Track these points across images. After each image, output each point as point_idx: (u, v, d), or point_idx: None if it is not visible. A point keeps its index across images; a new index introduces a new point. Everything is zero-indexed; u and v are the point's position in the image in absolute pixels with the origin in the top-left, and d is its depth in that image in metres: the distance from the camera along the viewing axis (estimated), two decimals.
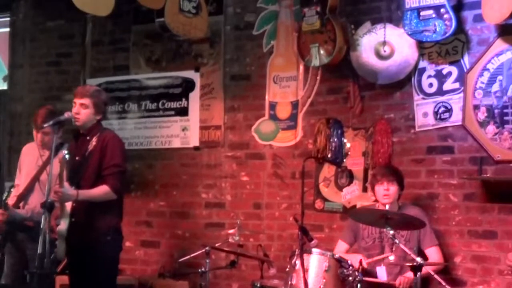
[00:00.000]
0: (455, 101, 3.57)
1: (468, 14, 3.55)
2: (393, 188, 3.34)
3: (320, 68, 3.90)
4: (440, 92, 3.62)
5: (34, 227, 3.49)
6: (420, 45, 3.62)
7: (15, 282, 3.72)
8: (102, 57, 4.72)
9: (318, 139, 3.85)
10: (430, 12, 3.43)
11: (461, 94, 3.54)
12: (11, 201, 3.77)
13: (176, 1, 3.76)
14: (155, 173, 4.46)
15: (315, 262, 3.07)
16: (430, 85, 3.66)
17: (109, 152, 3.14)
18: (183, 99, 4.40)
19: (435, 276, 2.98)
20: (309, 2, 3.73)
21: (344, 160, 3.84)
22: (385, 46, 3.63)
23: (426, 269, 2.99)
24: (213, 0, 4.29)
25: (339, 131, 3.83)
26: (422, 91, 3.69)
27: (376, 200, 3.48)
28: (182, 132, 4.39)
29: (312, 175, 3.91)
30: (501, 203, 3.42)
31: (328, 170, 3.92)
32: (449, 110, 3.60)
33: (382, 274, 3.28)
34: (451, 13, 3.40)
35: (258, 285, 3.24)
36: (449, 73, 3.61)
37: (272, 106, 4.13)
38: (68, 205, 3.16)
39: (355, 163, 3.83)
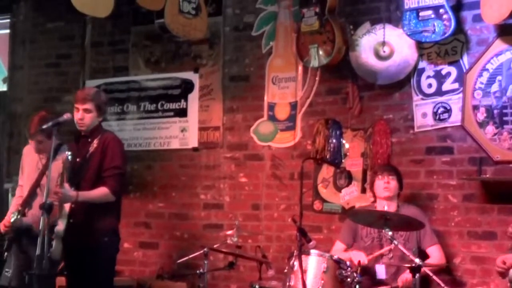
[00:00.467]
0: (454, 102, 3.56)
1: (467, 14, 3.54)
2: (393, 183, 3.36)
3: (319, 68, 3.89)
4: (439, 92, 3.61)
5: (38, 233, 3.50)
6: (419, 45, 3.61)
7: (21, 284, 3.73)
8: (101, 58, 4.72)
9: (317, 140, 3.84)
10: (429, 12, 3.43)
11: (460, 95, 3.53)
12: (15, 204, 3.79)
13: (176, 2, 3.77)
14: (154, 174, 4.45)
15: (314, 263, 3.05)
16: (429, 85, 3.65)
17: (109, 154, 3.16)
18: (182, 100, 4.40)
19: (434, 277, 2.96)
20: (308, 3, 3.73)
21: (343, 161, 3.83)
22: (385, 46, 3.62)
23: (424, 270, 2.97)
24: (212, 1, 4.29)
25: (338, 132, 3.82)
26: (421, 91, 3.68)
27: (375, 201, 3.47)
28: (181, 133, 4.38)
29: (310, 176, 3.90)
30: (501, 204, 3.41)
31: (326, 171, 3.91)
32: (448, 110, 3.58)
33: (381, 272, 3.27)
34: (450, 13, 3.39)
35: (257, 286, 3.23)
36: (448, 74, 3.60)
37: (271, 107, 4.12)
38: (67, 206, 3.17)
39: (354, 164, 3.82)
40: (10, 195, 4.63)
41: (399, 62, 3.64)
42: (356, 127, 3.82)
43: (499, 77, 3.43)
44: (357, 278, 3.03)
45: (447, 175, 3.56)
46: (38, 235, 3.14)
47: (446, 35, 3.41)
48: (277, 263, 3.68)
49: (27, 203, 3.72)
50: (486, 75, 3.46)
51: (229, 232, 3.51)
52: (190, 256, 3.58)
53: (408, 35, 3.51)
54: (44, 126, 3.29)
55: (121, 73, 4.65)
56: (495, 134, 3.41)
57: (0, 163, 5.03)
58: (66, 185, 3.05)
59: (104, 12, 3.64)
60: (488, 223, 3.44)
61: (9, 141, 5.04)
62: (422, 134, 3.64)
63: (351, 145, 3.82)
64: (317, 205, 3.92)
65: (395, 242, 2.99)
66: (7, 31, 5.12)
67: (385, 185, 3.35)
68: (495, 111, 3.42)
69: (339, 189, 3.86)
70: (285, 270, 3.11)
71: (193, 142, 4.34)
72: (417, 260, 2.88)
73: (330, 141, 3.80)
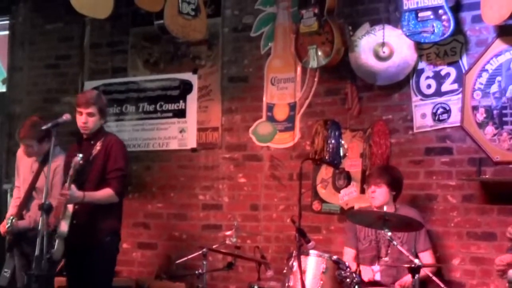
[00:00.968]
0: (454, 102, 3.55)
1: (466, 15, 3.54)
2: (380, 190, 3.32)
3: (318, 69, 3.89)
4: (438, 93, 3.61)
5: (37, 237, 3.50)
6: (419, 46, 3.61)
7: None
8: (100, 59, 4.73)
9: (316, 140, 3.83)
10: (428, 13, 3.42)
11: (460, 95, 3.52)
12: (13, 205, 3.78)
13: (175, 3, 3.77)
14: (153, 175, 4.45)
15: (313, 264, 3.04)
16: (429, 86, 3.65)
17: (113, 156, 3.22)
18: (181, 101, 4.39)
19: (434, 278, 2.95)
20: (307, 4, 3.73)
21: (341, 162, 3.82)
22: (384, 47, 3.62)
23: (424, 271, 2.96)
24: (211, 2, 4.30)
25: (336, 133, 3.81)
26: (420, 92, 3.67)
27: None
28: (179, 134, 4.38)
29: (309, 176, 3.90)
30: (500, 205, 3.39)
31: (325, 172, 3.90)
32: (447, 111, 3.58)
33: (377, 273, 3.26)
34: (449, 14, 3.39)
35: (255, 287, 3.23)
36: (448, 74, 3.60)
37: (270, 107, 4.12)
38: (70, 207, 3.18)
39: (353, 164, 3.81)
40: (9, 195, 4.62)
41: (398, 62, 3.64)
42: (355, 128, 3.82)
43: (498, 78, 3.43)
44: (356, 279, 3.03)
45: (446, 176, 3.55)
46: (36, 237, 3.15)
47: (445, 35, 3.41)
48: (276, 263, 3.67)
49: (24, 205, 3.73)
50: (485, 75, 3.46)
51: (228, 233, 3.50)
52: (189, 256, 3.57)
53: (407, 36, 3.51)
54: (44, 127, 3.30)
55: (119, 74, 4.65)
56: (494, 135, 3.40)
57: None
58: (73, 186, 3.09)
59: (104, 13, 3.65)
60: (488, 223, 3.43)
61: (8, 142, 5.03)
62: (421, 135, 3.64)
63: (350, 146, 3.82)
64: (316, 205, 3.91)
65: (394, 243, 2.98)
66: (6, 32, 5.12)
67: (371, 194, 3.34)
68: (495, 112, 3.41)
69: (338, 189, 3.85)
70: (284, 271, 3.10)
71: (191, 143, 4.34)
72: (417, 261, 2.87)
73: (329, 141, 3.80)
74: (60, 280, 3.64)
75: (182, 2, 3.80)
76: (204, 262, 3.41)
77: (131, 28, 4.61)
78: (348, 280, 3.01)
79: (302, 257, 2.99)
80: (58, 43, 4.88)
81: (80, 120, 3.26)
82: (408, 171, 3.59)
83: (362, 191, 3.72)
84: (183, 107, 4.38)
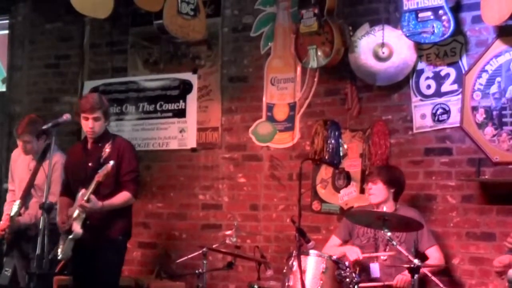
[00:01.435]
0: (453, 103, 3.56)
1: (466, 16, 3.54)
2: (375, 187, 3.34)
3: (318, 69, 3.89)
4: (438, 93, 3.61)
5: (37, 235, 3.50)
6: (418, 46, 3.61)
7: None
8: (100, 59, 4.73)
9: (316, 140, 3.84)
10: (428, 13, 3.42)
11: (459, 96, 3.52)
12: (8, 208, 3.78)
13: (174, 3, 3.76)
14: (153, 175, 4.45)
15: (313, 264, 3.05)
16: (428, 86, 3.65)
17: (126, 159, 3.27)
18: (181, 101, 4.39)
19: (433, 278, 2.96)
20: (306, 4, 3.73)
21: (341, 162, 3.82)
22: (384, 47, 3.62)
23: (423, 271, 2.96)
24: (211, 2, 4.30)
25: (336, 133, 3.82)
26: (420, 92, 3.68)
27: None
28: (179, 133, 4.38)
29: (309, 176, 3.90)
30: (500, 205, 3.40)
31: (325, 172, 3.91)
32: (447, 111, 3.58)
33: (375, 271, 3.27)
34: (449, 14, 3.39)
35: (255, 286, 3.24)
36: (447, 75, 3.60)
37: (270, 107, 4.12)
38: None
39: (352, 164, 3.81)
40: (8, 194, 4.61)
41: (398, 63, 3.64)
42: (355, 128, 3.82)
43: (498, 79, 3.43)
44: (355, 279, 3.03)
45: (446, 176, 3.55)
46: (36, 235, 3.15)
47: (445, 36, 3.41)
48: (275, 263, 3.67)
49: (22, 204, 3.72)
50: (485, 76, 3.46)
51: (228, 232, 3.51)
52: (189, 256, 3.58)
53: (407, 36, 3.51)
54: (44, 127, 3.31)
55: (119, 74, 4.65)
56: (494, 135, 3.40)
57: None
58: (93, 197, 3.13)
59: (104, 13, 3.65)
60: (487, 224, 3.43)
61: (8, 141, 5.03)
62: (421, 135, 3.64)
63: (350, 146, 3.82)
64: (315, 205, 3.92)
65: (394, 243, 2.99)
66: (6, 31, 5.12)
67: (368, 191, 3.37)
68: (494, 112, 3.41)
69: (337, 189, 3.86)
70: (284, 270, 3.11)
71: (191, 143, 4.34)
72: (416, 261, 2.87)
73: (328, 142, 3.80)
74: (59, 279, 3.65)
75: (181, 2, 3.80)
76: (204, 262, 3.42)
77: (131, 28, 4.61)
78: (347, 280, 3.02)
79: (302, 257, 2.99)
80: (58, 42, 4.88)
81: (87, 125, 3.30)
82: (408, 171, 3.59)
83: (362, 191, 3.72)
84: (183, 107, 4.38)
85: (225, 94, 4.26)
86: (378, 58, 3.65)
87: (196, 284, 3.44)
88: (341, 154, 3.82)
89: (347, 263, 3.10)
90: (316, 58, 3.71)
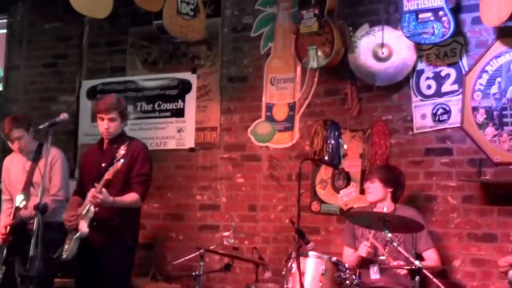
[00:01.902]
0: (454, 103, 3.55)
1: (466, 17, 3.54)
2: (373, 186, 3.33)
3: (318, 70, 3.88)
4: (438, 94, 3.60)
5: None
6: (419, 47, 3.61)
7: None
8: (98, 59, 4.71)
9: (315, 140, 3.81)
10: (429, 14, 3.42)
11: (460, 96, 3.52)
12: (7, 215, 3.73)
13: (174, 3, 3.76)
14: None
15: (312, 265, 3.02)
16: (428, 86, 3.64)
17: (139, 162, 3.27)
18: (179, 101, 4.37)
19: (434, 280, 2.92)
20: (307, 5, 3.73)
21: (341, 162, 3.80)
22: (383, 48, 3.62)
23: (424, 272, 2.93)
24: (211, 3, 4.29)
25: (336, 133, 3.80)
26: (420, 92, 3.67)
27: None
28: (177, 133, 4.35)
29: (308, 177, 3.87)
30: (501, 206, 3.38)
31: (325, 172, 3.88)
32: (447, 112, 3.57)
33: (375, 273, 3.23)
34: (450, 15, 3.39)
35: None
36: (448, 75, 3.59)
37: (269, 107, 4.10)
38: (92, 208, 3.18)
39: (352, 165, 3.79)
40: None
41: (397, 63, 3.63)
42: (355, 128, 3.80)
43: (498, 79, 3.42)
44: (355, 281, 2.99)
45: (446, 177, 3.53)
46: (43, 235, 3.11)
47: (445, 37, 3.41)
48: (273, 265, 3.62)
49: (25, 196, 3.66)
50: (485, 76, 3.46)
51: (226, 234, 3.47)
52: (186, 257, 3.53)
53: (408, 37, 3.51)
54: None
55: (118, 73, 4.63)
56: (494, 136, 3.39)
57: None
58: (105, 191, 3.11)
59: (103, 13, 3.63)
60: (488, 225, 3.41)
61: (4, 142, 4.97)
62: (421, 135, 3.62)
63: (350, 146, 3.80)
64: (315, 206, 3.89)
65: (394, 244, 2.95)
66: (4, 31, 5.10)
67: (366, 190, 3.36)
68: (495, 113, 3.41)
69: (337, 190, 3.83)
70: (283, 272, 3.07)
71: (189, 143, 4.31)
72: (417, 262, 2.84)
73: (328, 142, 3.78)
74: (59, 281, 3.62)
75: (181, 2, 3.79)
76: (201, 263, 3.37)
77: (130, 27, 4.60)
78: (347, 282, 2.98)
79: (301, 258, 2.96)
80: (56, 42, 4.86)
81: (102, 126, 3.30)
82: (408, 171, 3.57)
83: (362, 191, 3.69)
84: (181, 107, 4.36)
85: (224, 94, 4.24)
86: (377, 58, 3.65)
87: (193, 286, 3.39)
88: (341, 154, 3.80)
89: (346, 265, 3.06)
90: (316, 58, 3.70)
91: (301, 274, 2.90)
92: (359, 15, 3.82)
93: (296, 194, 3.14)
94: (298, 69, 4.01)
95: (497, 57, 3.43)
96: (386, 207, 3.30)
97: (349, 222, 3.37)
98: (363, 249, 3.20)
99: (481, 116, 3.44)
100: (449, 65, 3.58)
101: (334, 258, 3.05)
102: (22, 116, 3.68)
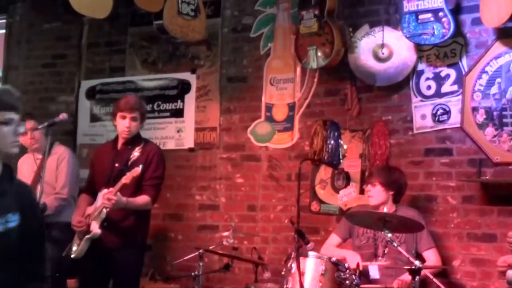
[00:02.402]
0: (454, 103, 3.55)
1: (466, 18, 3.55)
2: (374, 189, 3.32)
3: (318, 70, 3.88)
4: (438, 94, 3.60)
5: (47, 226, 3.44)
6: (419, 47, 3.61)
7: None
8: (98, 59, 4.70)
9: (315, 141, 3.81)
10: (429, 15, 3.43)
11: (460, 96, 3.52)
12: None
13: (175, 4, 3.75)
14: None
15: (312, 266, 3.00)
16: (428, 87, 3.65)
17: (153, 165, 3.27)
18: (179, 101, 4.36)
19: (434, 280, 2.91)
20: (307, 5, 3.73)
21: (341, 162, 3.79)
22: (384, 48, 3.62)
23: (424, 273, 2.92)
24: (210, 3, 4.29)
25: (336, 133, 3.80)
26: (420, 93, 3.67)
27: None
28: (177, 133, 4.34)
29: (308, 177, 3.86)
30: (501, 206, 3.37)
31: (324, 172, 3.88)
32: (447, 112, 3.57)
33: (374, 273, 3.23)
34: (449, 16, 3.39)
35: None
36: (448, 76, 3.60)
37: (269, 108, 4.10)
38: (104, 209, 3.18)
39: (352, 165, 3.78)
40: None
41: (397, 64, 3.63)
42: (355, 128, 3.80)
43: (498, 79, 3.43)
44: (355, 281, 2.98)
45: (446, 177, 3.53)
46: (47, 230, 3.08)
47: (445, 38, 3.41)
48: (273, 265, 3.61)
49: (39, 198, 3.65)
50: (485, 77, 3.46)
51: (225, 234, 3.45)
52: (185, 257, 3.51)
53: (408, 38, 3.51)
54: (40, 126, 3.28)
55: (117, 73, 4.62)
56: (494, 136, 3.39)
57: None
58: (119, 193, 3.11)
59: (103, 13, 3.63)
60: (488, 225, 3.41)
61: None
62: (421, 136, 3.62)
63: (349, 146, 3.79)
64: (314, 206, 3.88)
65: (395, 244, 2.95)
66: (3, 31, 5.09)
67: (367, 193, 3.35)
68: (495, 113, 3.41)
69: (337, 190, 3.82)
70: (283, 272, 3.06)
71: (189, 143, 4.30)
72: (417, 262, 2.83)
73: (328, 142, 3.77)
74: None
75: (182, 3, 3.78)
76: (200, 263, 3.35)
77: (130, 27, 4.59)
78: (347, 282, 2.97)
79: (301, 258, 2.94)
80: (55, 42, 4.85)
81: (124, 124, 3.28)
82: (408, 172, 3.56)
83: (361, 192, 3.69)
84: (181, 107, 4.35)
85: (224, 94, 4.24)
86: (378, 58, 3.65)
87: (192, 287, 3.37)
88: (340, 154, 3.79)
89: (346, 265, 3.05)
90: (316, 58, 3.70)
91: (301, 274, 2.88)
92: (359, 15, 3.82)
93: (296, 194, 3.13)
94: (298, 69, 4.00)
95: (497, 57, 3.43)
96: (387, 209, 3.29)
97: (349, 222, 3.36)
98: (354, 263, 3.12)
99: (481, 117, 3.44)
100: (449, 66, 3.58)
101: (334, 259, 3.04)
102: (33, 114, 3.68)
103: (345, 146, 3.79)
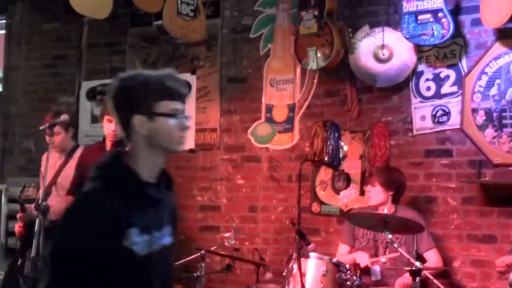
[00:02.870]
0: (453, 105, 3.55)
1: (466, 18, 3.54)
2: (374, 189, 3.34)
3: (317, 71, 3.88)
4: (438, 95, 3.60)
5: (51, 228, 3.45)
6: (418, 48, 3.61)
7: None
8: (98, 60, 4.69)
9: (315, 142, 3.81)
10: (428, 16, 3.42)
11: (459, 98, 3.52)
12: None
13: (174, 4, 3.75)
14: None
15: (313, 267, 3.02)
16: (428, 88, 3.65)
17: None
18: None
19: (435, 280, 2.93)
20: (306, 6, 3.72)
21: (341, 163, 3.80)
22: (384, 49, 3.62)
23: (424, 274, 2.94)
24: (210, 3, 4.28)
25: (336, 134, 3.80)
26: (420, 94, 3.67)
27: None
28: None
29: (308, 178, 3.87)
30: (500, 207, 3.39)
31: (325, 173, 3.89)
32: (447, 113, 3.57)
33: (376, 273, 3.24)
34: (449, 17, 3.39)
35: None
36: (447, 77, 3.60)
37: (269, 109, 4.10)
38: None
39: (352, 166, 3.79)
40: (3, 196, 4.56)
41: (398, 65, 3.63)
42: (355, 130, 3.80)
43: (498, 81, 3.43)
44: (356, 282, 3.00)
45: (446, 178, 3.54)
46: (51, 232, 3.11)
47: (444, 38, 3.41)
48: (274, 265, 3.63)
49: (42, 199, 3.66)
50: (485, 78, 3.46)
51: (227, 234, 3.47)
52: (187, 258, 3.53)
53: (407, 38, 3.51)
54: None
55: (117, 74, 4.59)
56: (494, 137, 3.40)
57: None
58: None
59: (103, 13, 3.62)
60: (488, 226, 3.42)
61: (4, 142, 4.98)
62: (421, 137, 3.63)
63: (350, 148, 3.80)
64: (315, 207, 3.89)
65: (395, 245, 2.96)
66: (3, 31, 5.08)
67: (367, 194, 3.37)
68: (494, 114, 3.41)
69: (337, 191, 3.83)
70: (284, 273, 3.08)
71: (189, 144, 4.30)
72: (418, 264, 2.85)
73: (328, 143, 3.78)
74: None
75: (181, 3, 3.77)
76: (202, 264, 3.37)
77: (130, 28, 4.58)
78: (348, 283, 2.99)
79: (302, 259, 2.96)
80: (55, 43, 4.84)
81: (109, 128, 3.32)
82: (408, 173, 3.57)
83: (362, 193, 3.70)
84: None
85: (224, 95, 4.24)
86: (378, 59, 3.65)
87: (194, 287, 3.39)
88: (340, 155, 3.80)
89: (347, 266, 3.07)
90: (316, 59, 3.70)
91: (302, 275, 2.90)
92: (358, 16, 3.81)
93: (296, 195, 3.14)
94: (298, 70, 4.00)
95: (496, 58, 3.43)
96: (387, 209, 3.31)
97: (349, 223, 3.38)
98: (363, 262, 3.17)
99: (480, 118, 3.45)
100: (448, 67, 3.58)
101: (335, 259, 3.06)
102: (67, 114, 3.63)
103: (345, 147, 3.80)
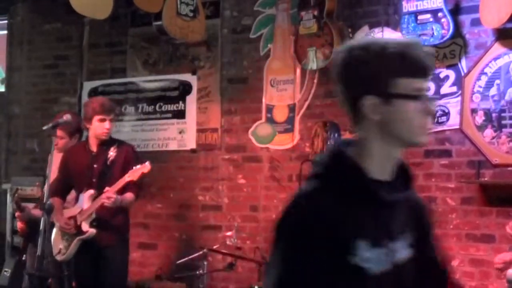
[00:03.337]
0: (453, 105, 3.57)
1: (465, 18, 3.54)
2: None
3: (317, 71, 3.89)
4: (437, 95, 3.61)
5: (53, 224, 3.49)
6: None
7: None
8: (99, 60, 4.71)
9: (315, 142, 3.84)
10: (428, 16, 3.43)
11: (459, 98, 3.53)
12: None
13: (174, 4, 3.75)
14: (152, 176, 4.33)
15: None
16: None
17: (132, 163, 3.34)
18: (180, 102, 4.39)
19: None
20: (306, 6, 3.73)
21: None
22: None
23: None
24: (210, 4, 4.29)
25: (336, 134, 3.82)
26: None
27: None
28: (179, 134, 4.38)
29: None
30: (499, 207, 3.41)
31: None
32: (446, 113, 3.59)
33: None
34: (449, 17, 3.39)
35: (256, 287, 3.23)
36: (447, 77, 3.61)
37: (269, 109, 4.12)
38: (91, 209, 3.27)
39: None
40: (8, 195, 4.61)
41: None
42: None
43: (497, 81, 3.44)
44: None
45: (445, 178, 3.56)
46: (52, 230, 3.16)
47: (444, 38, 3.41)
48: None
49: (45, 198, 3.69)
50: (484, 78, 3.47)
51: (229, 233, 3.51)
52: (190, 257, 3.58)
53: None
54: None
55: (118, 74, 4.63)
56: (493, 138, 3.42)
57: None
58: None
59: (103, 14, 3.64)
60: (487, 226, 3.45)
61: (7, 142, 5.02)
62: None
63: None
64: None
65: None
66: (5, 32, 5.10)
67: None
68: (494, 115, 3.42)
69: None
70: None
71: (191, 144, 4.33)
72: None
73: (328, 143, 3.80)
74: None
75: (181, 4, 3.78)
76: (205, 263, 3.42)
77: (130, 28, 4.60)
78: None
79: None
80: (56, 43, 4.86)
81: (104, 126, 3.34)
82: None
83: None
84: (182, 108, 4.38)
85: (225, 95, 4.26)
86: None
87: (197, 285, 3.44)
88: None
89: None
90: (316, 59, 3.71)
91: None
92: (358, 16, 3.82)
93: None
94: (298, 70, 4.02)
95: (496, 59, 3.44)
96: None
97: None
98: None
99: (480, 118, 3.46)
100: (448, 67, 3.59)
101: None
102: (74, 120, 3.58)
103: None
